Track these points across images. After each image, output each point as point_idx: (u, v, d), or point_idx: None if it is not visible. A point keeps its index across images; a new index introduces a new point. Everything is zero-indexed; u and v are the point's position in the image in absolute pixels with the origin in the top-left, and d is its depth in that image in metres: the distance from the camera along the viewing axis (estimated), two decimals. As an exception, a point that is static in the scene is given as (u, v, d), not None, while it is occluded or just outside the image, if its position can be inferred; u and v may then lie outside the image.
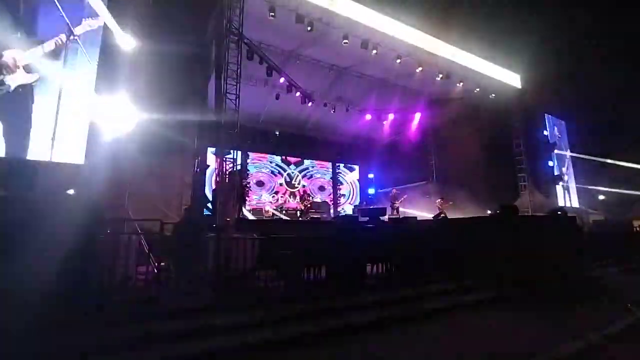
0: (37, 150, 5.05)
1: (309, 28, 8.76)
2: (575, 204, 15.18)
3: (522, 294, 5.89)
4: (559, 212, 8.46)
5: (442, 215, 11.54)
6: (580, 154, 16.09)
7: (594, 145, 15.99)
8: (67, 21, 4.98)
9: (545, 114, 14.91)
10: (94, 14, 5.47)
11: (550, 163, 14.31)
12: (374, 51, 9.92)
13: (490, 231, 7.16)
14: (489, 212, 12.11)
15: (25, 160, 4.87)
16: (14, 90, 4.89)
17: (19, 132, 5.04)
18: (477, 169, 13.32)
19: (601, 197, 16.47)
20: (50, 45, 4.99)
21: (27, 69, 4.97)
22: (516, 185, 13.62)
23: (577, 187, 15.73)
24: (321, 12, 8.72)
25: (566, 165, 15.59)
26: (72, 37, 5.03)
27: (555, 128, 15.54)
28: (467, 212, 11.61)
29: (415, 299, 5.39)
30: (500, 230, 7.01)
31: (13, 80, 4.86)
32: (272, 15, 8.23)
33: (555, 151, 14.67)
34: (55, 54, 5.04)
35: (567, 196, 14.85)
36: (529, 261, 6.26)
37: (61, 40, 5.01)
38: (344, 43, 9.42)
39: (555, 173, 14.32)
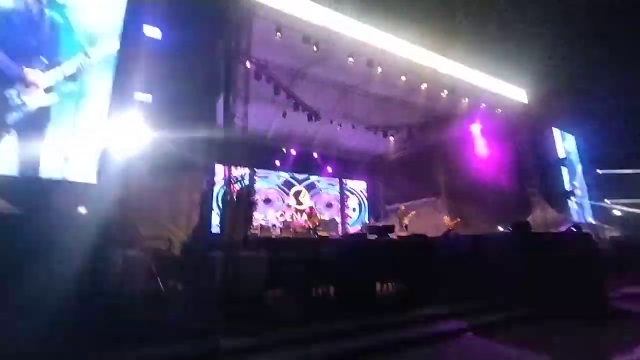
0: (51, 169, 5.16)
1: (315, 48, 8.97)
2: (590, 219, 14.79)
3: (537, 315, 5.66)
4: (574, 229, 8.21)
5: (452, 232, 11.32)
6: (591, 167, 15.82)
7: (606, 159, 15.69)
8: (84, 44, 5.21)
9: (554, 129, 14.80)
10: (110, 37, 5.72)
11: (562, 178, 14.07)
12: (379, 69, 10.09)
13: (502, 249, 6.98)
14: (500, 228, 11.84)
15: (39, 178, 4.97)
16: (33, 111, 5.07)
17: (34, 151, 5.18)
18: (487, 185, 13.15)
19: (617, 212, 16.02)
20: (69, 67, 5.21)
21: (47, 90, 5.17)
22: (527, 201, 13.35)
23: (590, 202, 15.36)
24: (327, 32, 8.95)
25: (578, 180, 15.31)
26: (89, 59, 5.24)
27: (565, 142, 15.38)
28: (478, 229, 11.37)
29: (426, 320, 5.21)
30: (514, 247, 6.83)
31: (33, 102, 5.04)
32: (278, 36, 8.47)
33: (566, 166, 14.45)
34: (73, 75, 5.25)
35: (581, 212, 14.50)
36: (544, 280, 6.05)
37: (80, 62, 5.23)
38: (349, 61, 9.62)
39: (567, 188, 14.04)
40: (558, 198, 13.55)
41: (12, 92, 4.99)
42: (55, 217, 3.71)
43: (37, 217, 3.64)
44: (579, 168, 15.73)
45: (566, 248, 6.53)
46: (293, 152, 15.47)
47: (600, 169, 15.95)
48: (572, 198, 13.97)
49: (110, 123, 5.85)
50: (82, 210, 4.40)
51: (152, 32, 6.90)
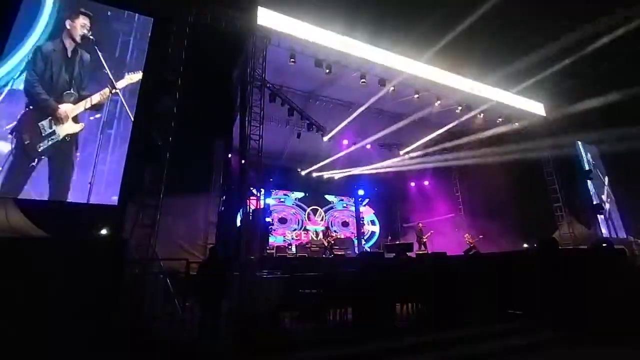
0: (77, 192, 5.41)
1: (327, 71, 9.21)
2: (622, 234, 13.93)
3: (570, 339, 5.28)
4: (604, 244, 7.74)
5: (474, 250, 10.91)
6: (620, 179, 15.03)
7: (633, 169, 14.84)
8: (110, 76, 5.58)
9: (577, 141, 14.32)
10: (134, 69, 6.11)
11: (588, 191, 13.44)
12: (392, 88, 10.19)
13: (529, 267, 6.65)
14: (525, 245, 11.33)
15: (66, 202, 5.22)
16: (62, 139, 5.41)
17: (63, 177, 5.47)
18: (508, 200, 12.72)
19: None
20: (95, 98, 5.58)
21: (75, 120, 5.53)
22: (552, 216, 12.77)
23: (621, 216, 14.52)
24: (338, 55, 9.19)
25: (605, 193, 14.58)
26: (114, 90, 5.60)
27: (589, 154, 14.81)
28: (501, 246, 10.91)
29: (450, 343, 4.96)
30: (541, 266, 6.50)
31: (63, 131, 5.39)
32: (292, 61, 8.77)
33: (592, 178, 13.83)
34: (99, 105, 5.61)
35: (611, 226, 13.70)
36: (575, 300, 5.68)
37: (105, 93, 5.60)
38: (362, 82, 9.78)
39: (594, 202, 13.37)
40: (585, 212, 12.90)
41: (44, 123, 5.38)
42: (78, 239, 3.85)
43: (60, 240, 3.79)
44: (606, 180, 15.01)
45: (597, 265, 6.14)
46: (308, 172, 15.57)
47: (631, 180, 15.12)
48: (600, 212, 13.25)
49: (132, 147, 6.12)
50: (103, 232, 4.55)
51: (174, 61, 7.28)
